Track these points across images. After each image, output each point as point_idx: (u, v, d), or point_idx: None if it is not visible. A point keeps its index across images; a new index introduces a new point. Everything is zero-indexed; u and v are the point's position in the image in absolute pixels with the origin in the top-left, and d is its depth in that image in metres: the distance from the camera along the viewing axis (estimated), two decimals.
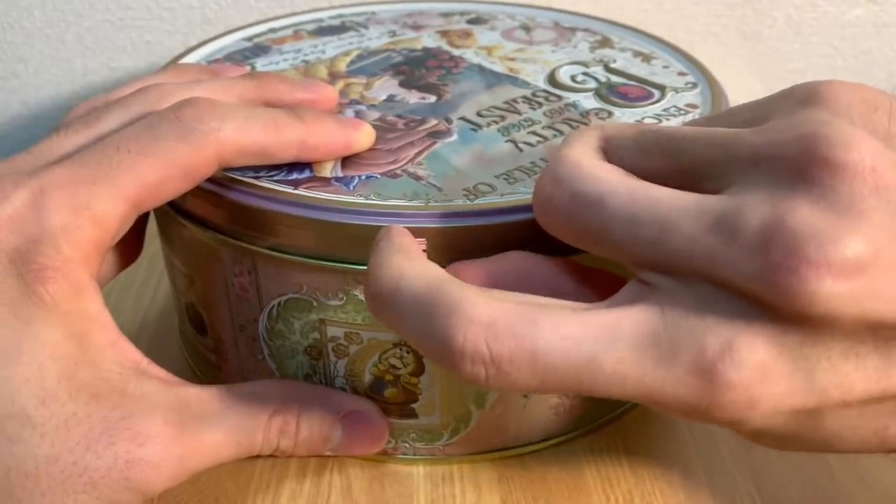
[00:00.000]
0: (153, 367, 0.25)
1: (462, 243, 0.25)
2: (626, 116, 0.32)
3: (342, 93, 0.34)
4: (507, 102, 0.33)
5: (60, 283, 0.23)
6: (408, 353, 0.28)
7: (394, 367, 0.28)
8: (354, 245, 0.26)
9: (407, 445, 0.30)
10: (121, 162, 0.24)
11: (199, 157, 0.25)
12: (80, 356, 0.23)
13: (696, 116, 0.32)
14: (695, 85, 0.34)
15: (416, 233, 0.25)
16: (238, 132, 0.25)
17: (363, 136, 0.29)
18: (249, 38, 0.40)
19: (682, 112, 0.32)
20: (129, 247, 0.30)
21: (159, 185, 0.25)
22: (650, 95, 0.33)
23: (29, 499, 0.22)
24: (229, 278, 0.29)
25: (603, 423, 0.32)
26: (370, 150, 0.29)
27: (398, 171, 0.28)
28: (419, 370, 0.28)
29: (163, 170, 0.25)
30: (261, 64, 0.37)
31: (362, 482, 0.30)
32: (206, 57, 0.38)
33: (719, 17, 0.55)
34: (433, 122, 0.31)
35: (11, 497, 0.21)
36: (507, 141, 0.30)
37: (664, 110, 0.32)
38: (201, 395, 0.25)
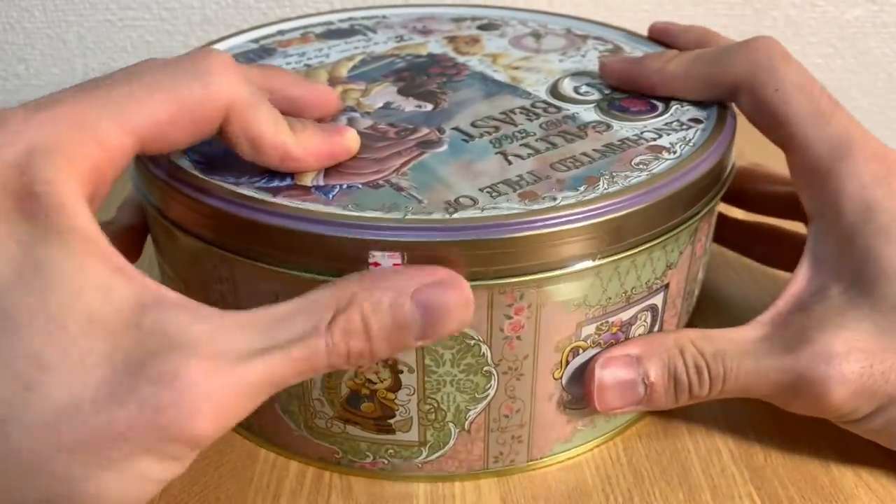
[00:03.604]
0: (170, 293, 0.21)
1: (438, 257, 0.25)
2: (624, 130, 0.30)
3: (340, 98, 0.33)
4: (503, 113, 0.32)
5: (53, 198, 0.20)
6: (384, 367, 0.27)
7: (370, 381, 0.28)
8: (328, 256, 0.25)
9: (385, 461, 0.30)
10: (132, 93, 0.23)
11: (210, 102, 0.24)
12: (84, 281, 0.20)
13: (698, 132, 0.30)
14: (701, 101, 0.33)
15: (392, 246, 0.24)
16: (249, 100, 0.25)
17: (348, 144, 0.28)
18: (256, 41, 0.40)
19: (683, 127, 0.31)
20: (128, 252, 0.30)
21: (167, 124, 0.23)
22: (653, 108, 0.32)
23: (55, 457, 0.19)
24: (211, 284, 0.28)
25: (602, 441, 0.31)
26: (356, 158, 0.28)
27: (380, 182, 0.27)
28: (395, 386, 0.27)
29: (173, 107, 0.23)
30: None
31: (362, 482, 0.30)
32: None
33: (719, 17, 0.54)
34: (425, 131, 0.31)
35: (34, 453, 0.19)
36: (497, 153, 0.29)
37: (665, 125, 0.31)
38: (235, 319, 0.21)
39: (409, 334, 0.23)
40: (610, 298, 0.27)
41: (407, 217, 0.25)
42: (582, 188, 0.26)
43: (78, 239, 0.20)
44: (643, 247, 0.27)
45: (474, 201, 0.26)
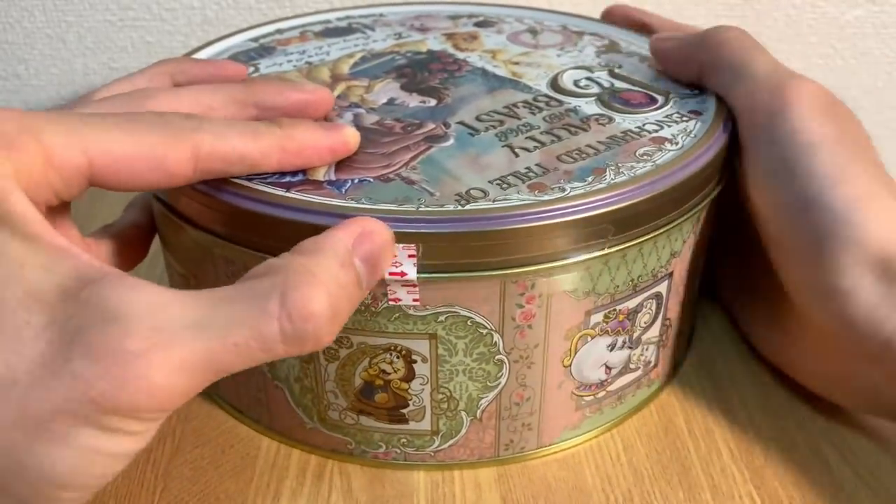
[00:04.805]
0: (112, 269, 0.21)
1: (453, 248, 0.25)
2: (626, 123, 0.31)
3: (343, 95, 0.34)
4: (507, 107, 0.33)
5: None
6: (398, 358, 0.28)
7: (384, 371, 0.28)
8: None
9: (398, 450, 0.30)
10: (93, 122, 0.24)
11: (171, 150, 0.24)
12: (25, 259, 0.20)
13: (698, 124, 0.31)
14: (700, 91, 0.34)
15: (407, 238, 0.25)
16: (215, 135, 0.25)
17: (346, 139, 0.28)
18: (256, 39, 0.40)
19: (684, 119, 0.31)
20: (132, 250, 0.30)
21: (123, 160, 0.24)
22: (653, 101, 0.33)
23: None
24: (222, 279, 0.29)
25: (608, 427, 0.32)
26: (365, 153, 0.29)
27: (391, 175, 0.28)
28: (409, 376, 0.28)
29: (132, 146, 0.24)
30: (264, 65, 0.37)
31: (362, 482, 0.30)
32: (211, 57, 0.38)
33: (719, 17, 0.54)
34: (431, 126, 0.31)
35: None
36: (503, 146, 0.30)
37: (666, 116, 0.32)
38: (176, 295, 0.21)
39: (361, 293, 0.23)
40: (618, 287, 0.28)
41: (420, 209, 0.25)
42: (590, 179, 0.27)
43: (18, 222, 0.21)
44: (649, 236, 0.27)
45: (485, 193, 0.26)
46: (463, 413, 0.29)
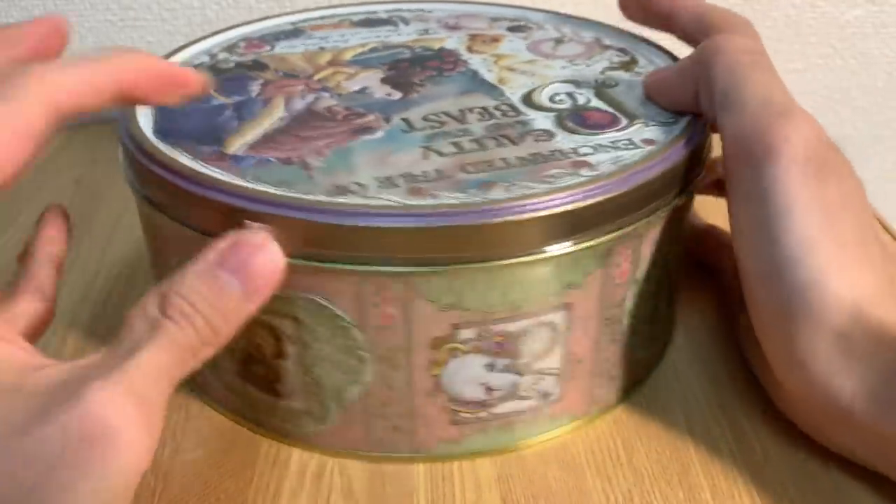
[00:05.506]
0: (44, 359, 0.23)
1: (310, 237, 0.26)
2: (565, 142, 0.30)
3: (324, 79, 0.35)
4: (460, 111, 0.32)
5: None
6: (269, 335, 0.28)
7: (259, 345, 0.29)
8: (212, 220, 0.26)
9: (277, 425, 0.31)
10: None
11: (23, 116, 0.23)
12: None
13: (638, 154, 0.29)
14: (676, 122, 0.31)
15: (260, 218, 0.25)
16: (62, 74, 0.24)
17: (186, 71, 0.27)
18: (293, 23, 0.42)
19: (630, 146, 0.29)
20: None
21: None
22: (613, 124, 0.31)
23: None
24: (158, 245, 0.31)
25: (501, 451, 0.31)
26: (290, 135, 0.30)
27: (294, 158, 0.28)
28: (280, 353, 0.29)
29: None
30: (280, 46, 0.39)
31: (362, 481, 0.30)
32: (249, 33, 0.40)
33: None
34: (371, 118, 0.31)
35: None
36: (422, 147, 0.29)
37: (611, 142, 0.30)
38: (96, 356, 0.23)
39: (233, 299, 0.24)
40: (491, 305, 0.27)
41: (288, 194, 0.26)
42: (472, 191, 0.26)
43: None
44: (516, 260, 0.26)
45: (362, 188, 0.27)
46: (331, 401, 0.29)
